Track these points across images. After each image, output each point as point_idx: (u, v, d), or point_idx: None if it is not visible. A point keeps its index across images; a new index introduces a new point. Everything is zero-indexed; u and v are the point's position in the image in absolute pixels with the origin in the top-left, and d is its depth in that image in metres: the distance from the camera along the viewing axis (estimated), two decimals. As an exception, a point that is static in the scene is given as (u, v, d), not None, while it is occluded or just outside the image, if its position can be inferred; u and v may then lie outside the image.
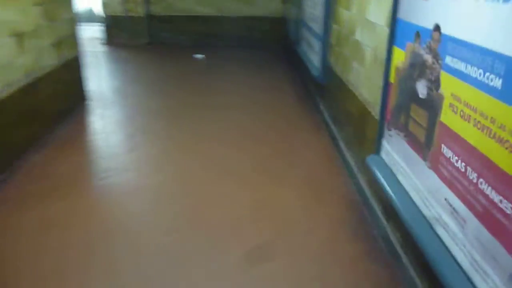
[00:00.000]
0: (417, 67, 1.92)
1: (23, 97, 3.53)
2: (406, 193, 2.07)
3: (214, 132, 4.24)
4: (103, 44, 8.53)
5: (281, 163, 3.58)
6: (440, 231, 1.74)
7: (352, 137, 3.34)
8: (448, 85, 1.65)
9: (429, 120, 1.81)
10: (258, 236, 2.60)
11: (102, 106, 4.92)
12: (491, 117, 1.38)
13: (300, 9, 5.93)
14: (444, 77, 1.67)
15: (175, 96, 5.43)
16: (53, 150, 3.72)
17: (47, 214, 2.79)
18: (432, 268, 1.72)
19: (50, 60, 4.05)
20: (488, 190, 1.42)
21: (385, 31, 2.51)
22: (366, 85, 2.96)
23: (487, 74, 1.38)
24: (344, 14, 3.65)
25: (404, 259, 2.23)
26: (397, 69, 2.17)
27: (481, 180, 1.45)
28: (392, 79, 2.24)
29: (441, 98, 1.70)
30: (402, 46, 2.09)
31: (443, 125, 1.69)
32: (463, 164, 1.55)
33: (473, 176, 1.49)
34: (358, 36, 3.18)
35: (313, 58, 4.82)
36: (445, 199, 1.68)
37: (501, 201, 1.35)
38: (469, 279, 1.52)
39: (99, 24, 8.67)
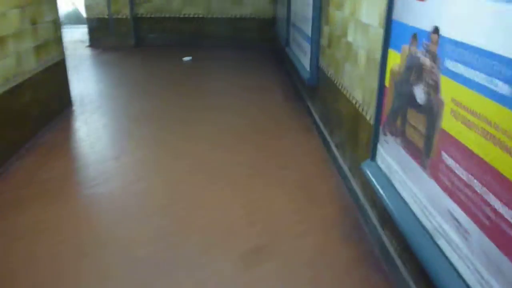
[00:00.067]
0: (414, 71, 1.84)
1: (4, 103, 3.40)
2: (403, 201, 1.99)
3: (203, 135, 4.15)
4: (89, 47, 8.36)
5: (272, 165, 3.50)
6: (441, 241, 1.67)
7: (344, 140, 3.27)
8: (449, 90, 1.57)
9: (428, 126, 1.74)
10: (249, 241, 2.52)
11: (88, 110, 4.79)
12: (497, 124, 1.31)
13: (289, 10, 5.86)
14: (444, 81, 1.60)
15: (163, 98, 5.32)
16: (37, 157, 3.60)
17: (31, 221, 2.69)
18: (432, 279, 1.64)
19: (32, 65, 3.91)
20: (493, 201, 1.34)
21: (379, 33, 2.43)
22: (359, 87, 2.89)
23: (492, 79, 1.31)
24: (335, 15, 3.58)
25: (401, 267, 2.16)
26: (392, 72, 2.10)
27: (485, 190, 1.38)
28: (388, 82, 2.16)
29: (440, 103, 1.63)
30: (398, 49, 2.02)
31: (444, 132, 1.61)
32: (466, 173, 1.47)
33: (477, 185, 1.42)
34: (350, 37, 3.11)
35: (304, 60, 4.74)
36: (446, 209, 1.61)
37: (507, 212, 1.28)
38: (473, 294, 1.45)
39: (86, 26, 8.49)
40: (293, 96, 5.39)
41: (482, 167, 1.38)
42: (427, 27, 1.72)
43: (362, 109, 2.80)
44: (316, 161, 3.61)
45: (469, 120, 1.45)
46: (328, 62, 3.86)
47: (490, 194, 1.35)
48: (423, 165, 1.80)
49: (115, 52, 7.92)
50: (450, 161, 1.58)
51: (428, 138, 1.74)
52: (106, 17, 8.26)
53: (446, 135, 1.59)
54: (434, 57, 1.66)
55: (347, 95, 3.17)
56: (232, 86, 5.93)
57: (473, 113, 1.43)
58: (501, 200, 1.30)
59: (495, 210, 1.33)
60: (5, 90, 3.41)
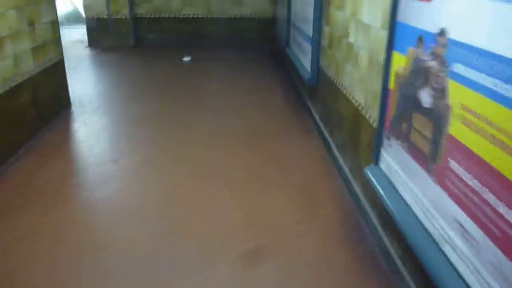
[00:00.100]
0: (420, 74, 1.80)
1: (2, 104, 3.35)
2: (408, 207, 1.95)
3: (202, 137, 4.09)
4: (88, 47, 8.31)
5: (271, 168, 3.45)
6: (447, 249, 1.62)
7: (345, 142, 3.22)
8: (456, 94, 1.53)
9: (434, 131, 1.69)
10: (249, 245, 2.48)
11: (86, 112, 4.74)
12: (507, 131, 1.26)
13: (290, 10, 5.81)
14: (452, 85, 1.55)
15: (162, 100, 5.27)
16: (36, 158, 3.56)
17: (30, 223, 2.67)
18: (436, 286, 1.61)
19: (30, 66, 3.86)
20: (504, 210, 1.30)
21: (381, 34, 2.39)
22: (360, 89, 2.84)
23: (503, 84, 1.26)
24: (336, 15, 3.53)
25: (404, 272, 2.11)
26: (397, 75, 2.05)
27: (494, 198, 1.34)
28: (392, 85, 2.12)
29: (447, 108, 1.58)
30: (403, 51, 1.97)
31: (451, 138, 1.57)
32: (475, 180, 1.43)
33: (486, 194, 1.37)
34: (352, 38, 3.06)
35: (304, 60, 4.69)
36: (453, 216, 1.56)
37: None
38: (483, 305, 1.40)
39: (85, 25, 8.44)
40: (293, 96, 5.35)
41: (492, 175, 1.34)
42: (433, 29, 1.67)
43: (364, 111, 2.76)
44: (317, 162, 3.57)
45: (478, 126, 1.41)
46: (328, 62, 3.81)
47: (500, 202, 1.31)
48: (428, 171, 1.75)
49: (115, 52, 7.87)
50: (457, 168, 1.53)
51: (434, 143, 1.69)
52: (105, 17, 8.21)
53: (454, 140, 1.55)
54: (441, 60, 1.61)
55: (348, 96, 3.13)
56: (232, 87, 5.87)
57: (482, 118, 1.38)
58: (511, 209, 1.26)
59: (505, 219, 1.29)
60: (3, 91, 3.37)
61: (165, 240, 2.53)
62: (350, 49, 3.09)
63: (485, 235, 1.40)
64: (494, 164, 1.33)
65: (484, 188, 1.38)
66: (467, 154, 1.47)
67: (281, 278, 2.23)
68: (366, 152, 2.70)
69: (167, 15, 8.40)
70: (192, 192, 3.08)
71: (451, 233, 1.58)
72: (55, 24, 4.46)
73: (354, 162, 2.98)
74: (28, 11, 3.81)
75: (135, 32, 8.34)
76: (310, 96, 4.71)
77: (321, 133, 4.00)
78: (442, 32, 1.60)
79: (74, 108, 4.83)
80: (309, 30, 4.37)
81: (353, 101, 3.01)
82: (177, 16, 8.41)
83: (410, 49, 1.89)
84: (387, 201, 2.08)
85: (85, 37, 8.49)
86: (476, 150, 1.42)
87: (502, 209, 1.30)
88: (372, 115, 2.58)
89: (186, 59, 7.29)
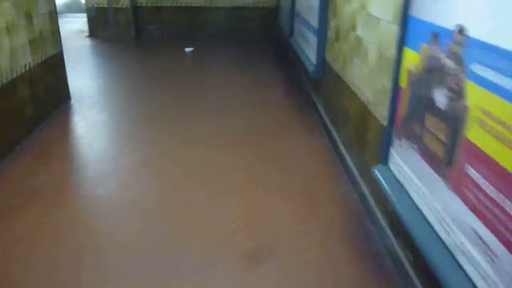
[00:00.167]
0: (434, 73, 1.69)
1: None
2: (419, 212, 1.86)
3: (202, 135, 3.96)
4: (88, 37, 8.17)
5: (274, 168, 3.34)
6: (463, 261, 1.53)
7: (352, 138, 3.12)
8: (475, 96, 1.42)
9: (450, 134, 1.59)
10: (249, 245, 2.43)
11: (85, 107, 4.63)
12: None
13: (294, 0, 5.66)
14: (470, 87, 1.45)
15: (162, 95, 5.14)
16: (34, 156, 3.48)
17: (30, 223, 2.62)
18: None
19: (27, 59, 3.76)
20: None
21: (392, 28, 2.28)
22: (368, 85, 2.74)
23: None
24: (343, 6, 3.40)
25: (415, 279, 2.04)
26: (409, 73, 1.94)
27: (516, 209, 1.25)
28: (403, 83, 2.01)
29: (465, 110, 1.48)
30: (416, 48, 1.86)
31: (468, 142, 1.47)
32: (495, 190, 1.33)
33: (508, 205, 1.28)
34: (359, 31, 2.94)
35: (309, 53, 4.57)
36: (470, 227, 1.47)
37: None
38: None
39: (86, 15, 8.30)
40: (298, 91, 5.21)
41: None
42: (450, 25, 1.57)
43: (372, 108, 2.65)
44: (322, 162, 3.44)
45: (498, 132, 1.31)
46: (335, 55, 3.69)
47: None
48: (442, 175, 1.66)
49: (115, 43, 7.72)
50: (475, 174, 1.43)
51: (450, 148, 1.60)
52: (106, 6, 8.06)
53: (472, 146, 1.45)
54: (458, 60, 1.51)
55: (355, 91, 3.02)
56: (233, 80, 5.70)
57: (503, 124, 1.28)
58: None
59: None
60: (0, 85, 3.28)
61: (165, 240, 2.49)
62: (358, 42, 2.97)
63: (504, 247, 1.31)
64: (517, 174, 1.24)
65: (504, 197, 1.29)
66: (486, 160, 1.37)
67: (282, 278, 2.19)
68: (373, 151, 2.61)
69: (168, 4, 8.24)
70: (192, 192, 3.00)
71: (469, 245, 1.49)
72: (53, 16, 4.34)
73: (362, 162, 2.88)
74: (24, 2, 3.70)
75: (136, 22, 8.19)
76: (315, 89, 4.60)
77: (327, 130, 3.89)
78: (460, 30, 1.50)
79: (74, 101, 4.74)
80: (314, 21, 4.24)
81: (361, 96, 2.90)
82: (178, 5, 8.25)
83: (424, 46, 1.79)
84: (396, 203, 1.99)
85: (86, 27, 8.35)
86: (495, 156, 1.33)
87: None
88: (380, 112, 2.48)
89: (188, 50, 7.16)
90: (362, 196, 2.81)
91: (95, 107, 4.63)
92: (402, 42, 1.98)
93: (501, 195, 1.31)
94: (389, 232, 2.35)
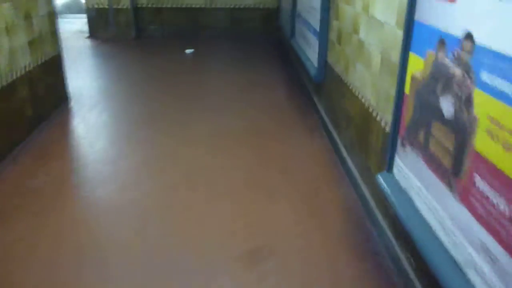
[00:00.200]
0: (441, 81, 1.65)
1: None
2: (425, 221, 1.81)
3: (202, 136, 3.93)
4: (88, 38, 8.13)
5: (274, 169, 3.31)
6: (472, 275, 1.49)
7: (354, 143, 3.08)
8: (484, 106, 1.38)
9: (457, 144, 1.55)
10: (249, 252, 2.39)
11: (85, 108, 4.60)
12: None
13: (295, 0, 5.62)
14: (479, 95, 1.41)
15: (162, 95, 5.10)
16: (34, 157, 3.46)
17: (29, 223, 2.61)
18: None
19: (26, 60, 3.72)
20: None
21: (396, 33, 2.23)
22: (371, 89, 2.70)
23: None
24: (346, 9, 3.36)
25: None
26: (413, 79, 1.90)
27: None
28: (408, 90, 1.97)
29: (473, 120, 1.44)
30: (421, 54, 1.82)
31: (477, 154, 1.43)
32: (507, 203, 1.29)
33: (518, 218, 1.24)
34: (362, 35, 2.90)
35: (310, 55, 4.53)
36: (479, 240, 1.43)
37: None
38: None
39: (86, 16, 8.25)
40: (299, 93, 5.17)
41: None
42: (458, 32, 1.52)
43: (375, 113, 2.61)
44: (323, 165, 3.41)
45: (508, 143, 1.27)
46: (337, 59, 3.65)
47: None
48: (449, 186, 1.62)
49: (115, 44, 7.68)
50: (485, 187, 1.39)
51: (457, 158, 1.55)
52: (106, 7, 8.01)
53: (480, 158, 1.41)
54: (466, 68, 1.47)
55: (358, 96, 2.98)
56: (234, 82, 5.66)
57: (514, 135, 1.24)
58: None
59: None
60: (-1, 87, 3.25)
61: (165, 240, 2.48)
62: (361, 46, 2.93)
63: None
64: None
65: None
66: (495, 172, 1.33)
67: (281, 278, 2.18)
68: (377, 157, 2.57)
69: (169, 5, 8.20)
70: (192, 192, 2.98)
71: (478, 259, 1.44)
72: (52, 17, 4.30)
73: (364, 166, 2.84)
74: (23, 3, 3.66)
75: (136, 23, 8.15)
76: (316, 92, 4.56)
77: (328, 133, 3.84)
78: (468, 37, 1.45)
79: (73, 102, 4.70)
80: (316, 22, 4.20)
81: (363, 101, 2.86)
82: (178, 6, 8.21)
83: (430, 52, 1.74)
84: (401, 212, 1.95)
85: (86, 28, 8.30)
86: (505, 169, 1.29)
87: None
88: (384, 118, 2.44)
89: (189, 51, 7.12)
90: (362, 197, 2.78)
91: (95, 107, 4.59)
92: (407, 47, 1.94)
93: (509, 206, 1.27)
94: (389, 234, 2.32)
